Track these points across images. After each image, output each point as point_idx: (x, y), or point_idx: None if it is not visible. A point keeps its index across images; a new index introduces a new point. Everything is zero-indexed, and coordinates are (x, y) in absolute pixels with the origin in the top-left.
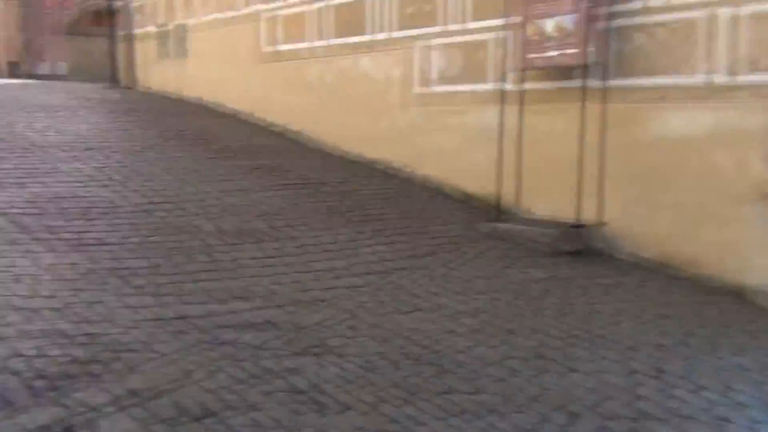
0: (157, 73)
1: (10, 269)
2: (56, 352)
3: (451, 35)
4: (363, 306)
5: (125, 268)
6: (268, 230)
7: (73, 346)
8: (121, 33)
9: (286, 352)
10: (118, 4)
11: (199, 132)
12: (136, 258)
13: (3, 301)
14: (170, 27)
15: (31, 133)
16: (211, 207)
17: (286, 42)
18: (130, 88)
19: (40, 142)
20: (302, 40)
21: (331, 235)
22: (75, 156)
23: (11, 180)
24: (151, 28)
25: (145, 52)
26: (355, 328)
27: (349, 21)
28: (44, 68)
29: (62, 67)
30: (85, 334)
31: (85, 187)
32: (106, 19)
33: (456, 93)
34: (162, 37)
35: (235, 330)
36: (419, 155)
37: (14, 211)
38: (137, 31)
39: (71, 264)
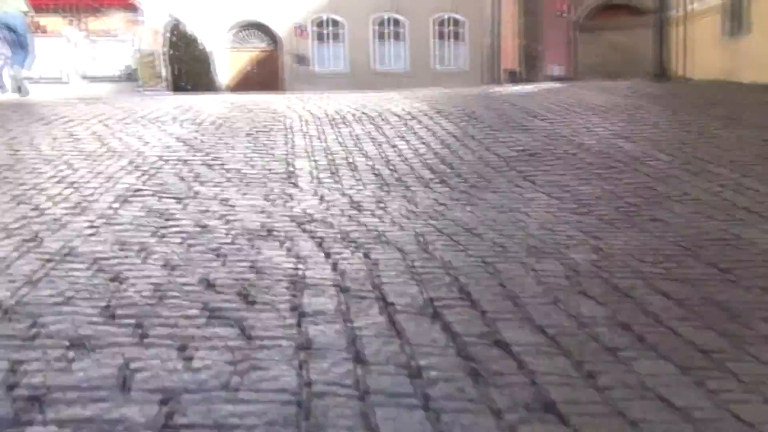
0: (705, 58)
1: None
2: None
3: None
4: None
5: None
6: None
7: None
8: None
9: None
10: None
11: None
12: None
13: None
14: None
15: (594, 142)
16: None
17: None
18: (677, 79)
19: (616, 153)
20: None
21: None
22: (686, 171)
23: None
24: (697, 6)
25: (681, 37)
26: None
27: None
28: (543, 72)
29: (561, 69)
30: None
31: (728, 222)
32: (611, 12)
33: None
34: (723, 12)
35: None
36: None
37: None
38: (673, 13)
39: None
